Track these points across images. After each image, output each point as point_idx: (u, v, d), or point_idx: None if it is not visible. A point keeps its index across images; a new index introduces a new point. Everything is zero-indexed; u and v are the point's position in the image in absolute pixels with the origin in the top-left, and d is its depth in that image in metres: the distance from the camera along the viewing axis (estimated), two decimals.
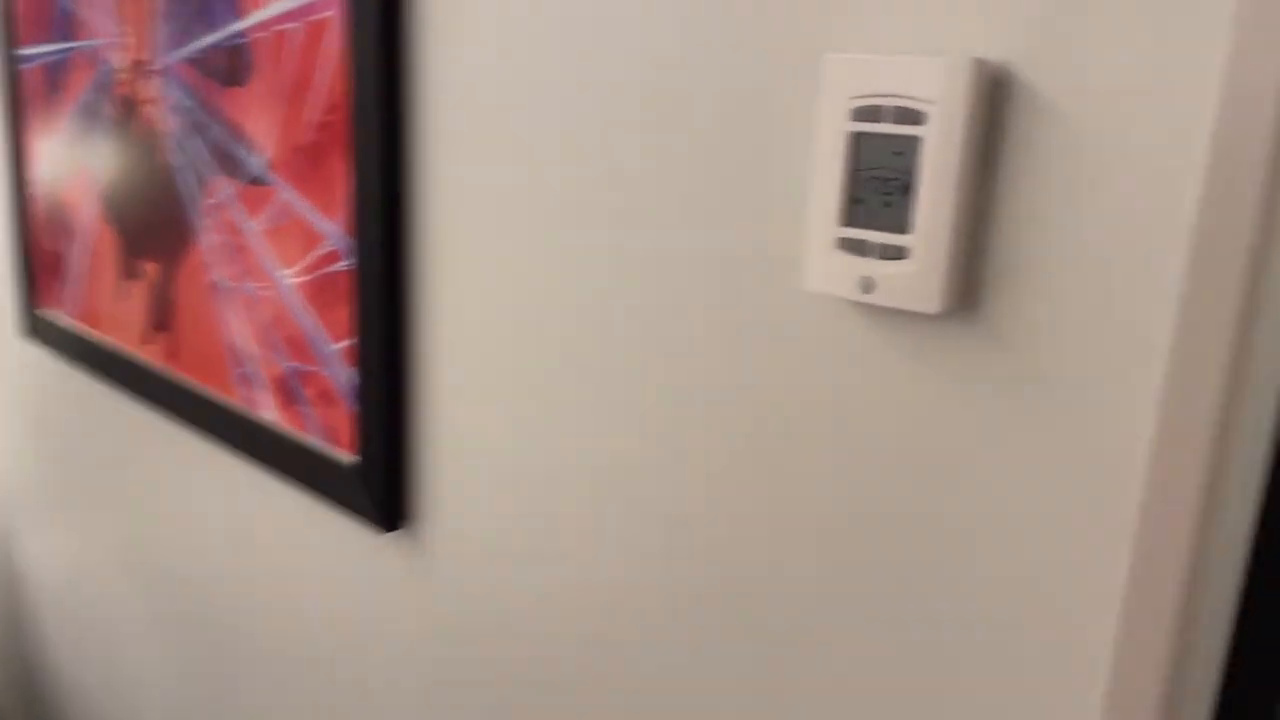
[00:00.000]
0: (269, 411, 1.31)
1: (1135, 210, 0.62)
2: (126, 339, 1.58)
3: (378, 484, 1.14)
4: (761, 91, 0.77)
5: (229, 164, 1.28)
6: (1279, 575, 0.67)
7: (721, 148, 0.80)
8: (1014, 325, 0.68)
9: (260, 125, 1.21)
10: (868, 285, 0.71)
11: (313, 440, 1.25)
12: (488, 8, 0.93)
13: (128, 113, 1.46)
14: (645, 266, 0.87)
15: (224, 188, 1.30)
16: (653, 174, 0.85)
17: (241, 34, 1.22)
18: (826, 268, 0.73)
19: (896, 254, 0.69)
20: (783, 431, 0.81)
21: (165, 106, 1.38)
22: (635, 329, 0.88)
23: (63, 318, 1.75)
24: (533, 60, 0.91)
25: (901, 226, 0.69)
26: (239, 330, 1.33)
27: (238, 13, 1.22)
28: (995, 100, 0.66)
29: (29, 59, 1.69)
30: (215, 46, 1.27)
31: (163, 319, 1.49)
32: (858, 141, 0.70)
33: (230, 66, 1.25)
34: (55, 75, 1.62)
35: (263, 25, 1.18)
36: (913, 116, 0.67)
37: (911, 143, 0.67)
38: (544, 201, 0.93)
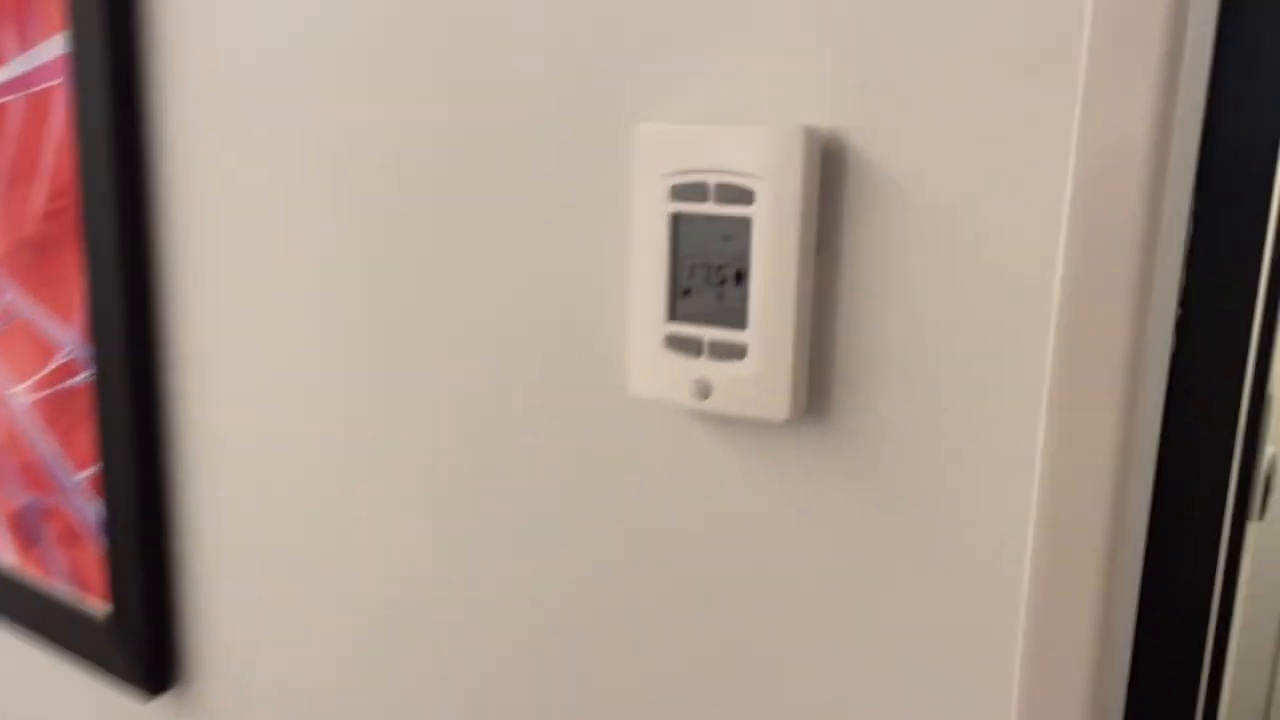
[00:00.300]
0: (6, 555, 1.09)
1: (994, 291, 0.54)
2: None
3: (137, 639, 0.94)
4: (569, 168, 0.66)
5: None
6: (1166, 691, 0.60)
7: (525, 234, 0.68)
8: (871, 427, 0.59)
9: None
10: (703, 390, 0.61)
11: (59, 588, 1.04)
12: (241, 69, 0.79)
13: None
14: (438, 372, 0.74)
15: None
16: (444, 267, 0.72)
17: None
18: (654, 370, 0.63)
19: (733, 353, 0.59)
20: (611, 562, 0.69)
21: None
22: (426, 450, 0.75)
23: None
24: (300, 129, 0.77)
25: (737, 321, 0.59)
26: None
27: None
28: (831, 174, 0.57)
29: None
30: None
31: None
32: (679, 224, 0.60)
33: None
34: None
35: None
36: (740, 195, 0.57)
37: (741, 225, 0.58)
38: (319, 296, 0.78)
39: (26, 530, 1.06)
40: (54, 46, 0.90)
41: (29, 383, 1.01)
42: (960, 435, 0.56)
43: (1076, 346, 0.52)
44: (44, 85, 0.92)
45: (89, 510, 0.98)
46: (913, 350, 0.57)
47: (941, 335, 0.56)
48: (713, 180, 0.58)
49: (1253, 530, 0.96)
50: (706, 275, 0.60)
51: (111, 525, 0.94)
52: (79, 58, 0.85)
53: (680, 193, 0.59)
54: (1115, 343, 0.51)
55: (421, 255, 0.73)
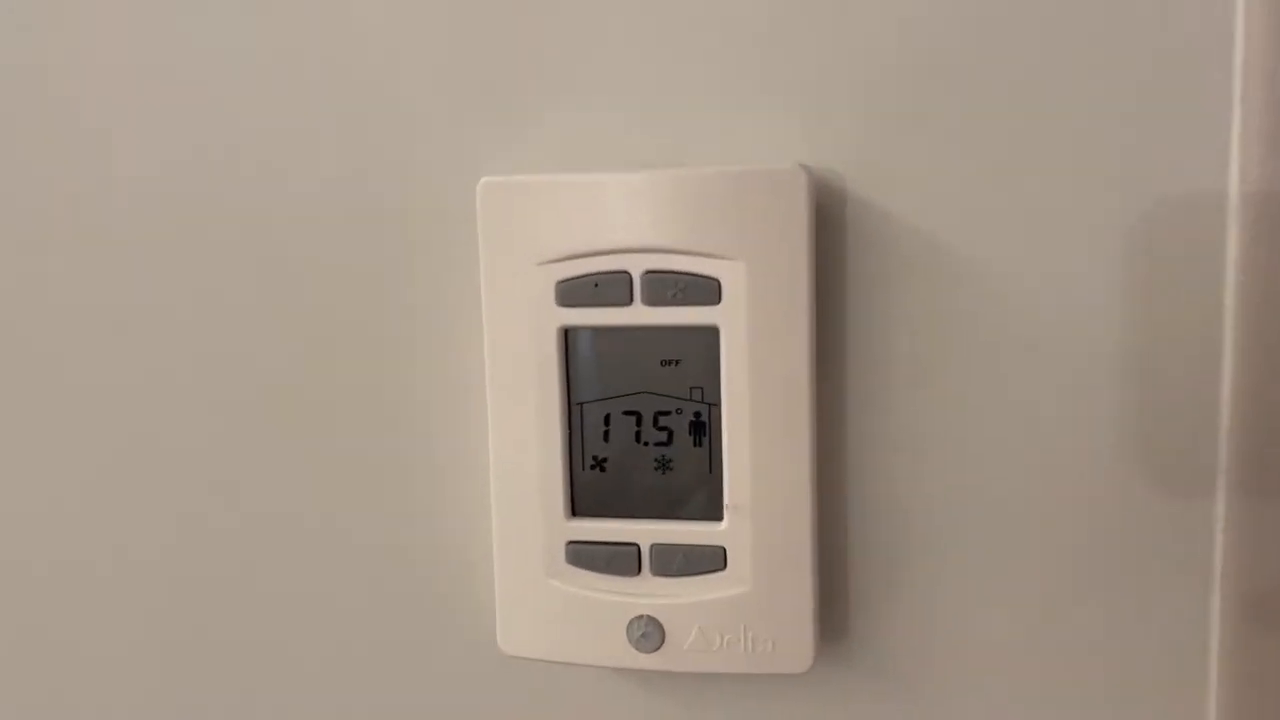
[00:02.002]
0: None
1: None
2: None
3: None
4: (372, 254, 0.37)
5: None
6: None
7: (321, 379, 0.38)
8: (899, 650, 0.36)
9: None
10: (648, 635, 0.34)
11: None
12: None
13: None
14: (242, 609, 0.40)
15: None
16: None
17: None
18: (546, 609, 0.35)
19: (701, 562, 0.34)
20: None
21: None
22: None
23: None
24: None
25: (702, 505, 0.34)
26: None
27: None
28: (831, 241, 0.34)
29: None
30: None
31: None
32: (575, 346, 0.34)
33: None
34: None
35: None
36: (696, 288, 0.32)
37: (699, 340, 0.33)
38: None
39: None
40: None
41: None
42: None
43: None
44: None
45: None
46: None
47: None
48: (641, 266, 0.33)
49: None
50: (636, 431, 0.34)
51: None
52: None
53: (575, 293, 0.33)
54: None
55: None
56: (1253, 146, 0.32)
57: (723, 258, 0.32)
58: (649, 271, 0.32)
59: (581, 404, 0.34)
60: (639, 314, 0.33)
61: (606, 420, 0.34)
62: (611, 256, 0.33)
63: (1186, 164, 0.32)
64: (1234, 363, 0.33)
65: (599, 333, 0.33)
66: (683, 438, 0.34)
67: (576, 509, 0.34)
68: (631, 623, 0.34)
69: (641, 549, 0.34)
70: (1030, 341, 0.34)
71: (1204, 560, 0.34)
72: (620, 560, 0.34)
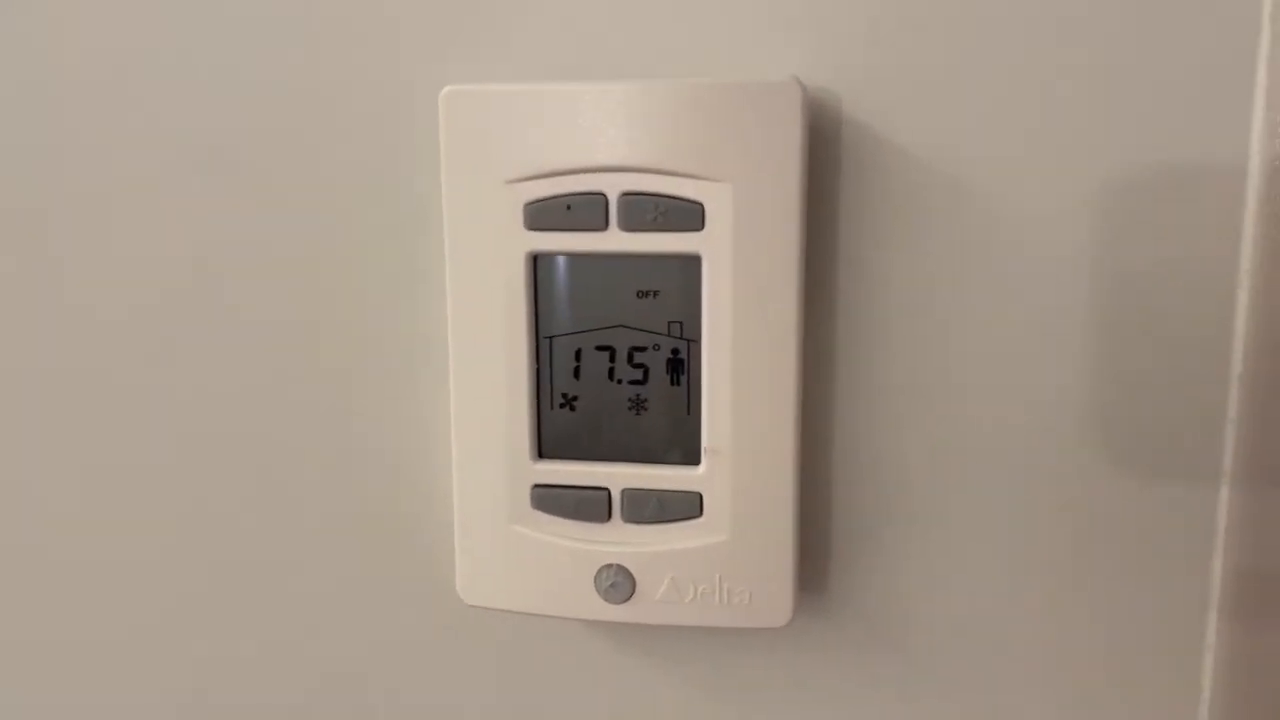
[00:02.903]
0: None
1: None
2: None
3: None
4: (329, 172, 0.34)
5: None
6: None
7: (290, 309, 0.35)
8: (880, 604, 0.34)
9: None
10: (617, 585, 0.32)
11: None
12: None
13: None
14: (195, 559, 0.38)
15: None
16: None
17: None
18: (510, 557, 0.33)
19: (676, 508, 0.32)
20: None
21: None
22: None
23: None
24: None
25: (677, 448, 0.31)
26: None
27: None
28: (825, 162, 0.32)
29: None
30: None
31: None
32: (545, 274, 0.31)
33: None
34: None
35: None
36: (677, 212, 0.30)
37: (678, 268, 0.30)
38: None
39: None
40: None
41: None
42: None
43: None
44: None
45: None
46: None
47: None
48: (618, 187, 0.30)
49: None
50: (609, 368, 0.31)
51: None
52: None
53: (545, 215, 0.30)
54: None
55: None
56: (1277, 110, 0.29)
57: (707, 179, 0.29)
58: (626, 193, 0.30)
59: (551, 338, 0.31)
60: (615, 240, 0.30)
61: (577, 355, 0.31)
62: (586, 176, 0.30)
63: (1206, 114, 0.30)
64: (1245, 338, 0.31)
65: (571, 260, 0.31)
66: (659, 376, 0.31)
67: (544, 450, 0.32)
68: (600, 572, 0.32)
69: (612, 494, 0.32)
70: (1036, 287, 0.31)
71: (1203, 537, 0.32)
72: (589, 505, 0.32)
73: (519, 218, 0.30)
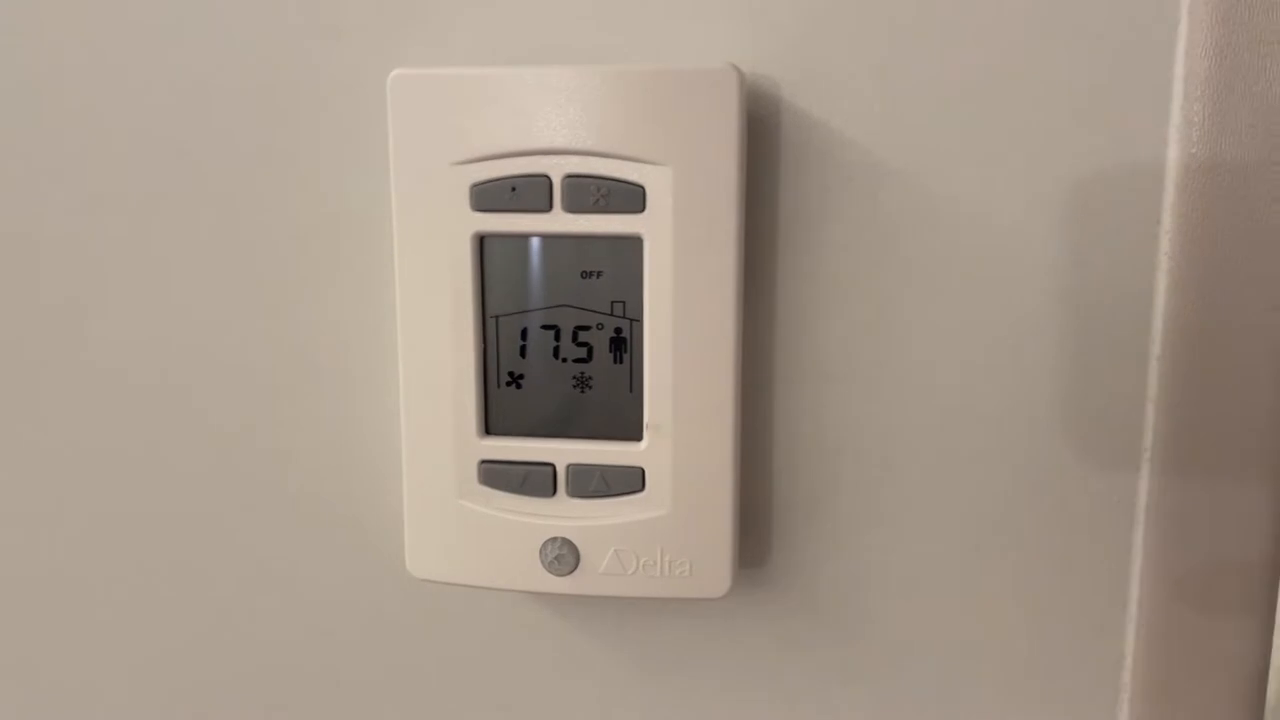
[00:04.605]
0: None
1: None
2: None
3: None
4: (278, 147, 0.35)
5: None
6: None
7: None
8: (818, 574, 0.35)
9: None
10: (561, 557, 0.33)
11: None
12: None
13: None
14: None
15: None
16: None
17: None
18: (457, 531, 0.33)
19: (618, 483, 0.32)
20: None
21: None
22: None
23: None
24: None
25: (621, 425, 0.32)
26: None
27: None
28: (762, 151, 0.33)
29: None
30: None
31: None
32: (490, 255, 0.32)
33: None
34: None
35: None
36: (620, 194, 0.31)
37: (621, 249, 0.31)
38: None
39: None
40: None
41: None
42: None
43: None
44: None
45: None
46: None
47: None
48: (562, 169, 0.31)
49: None
50: (554, 347, 0.32)
51: None
52: None
53: (491, 197, 0.31)
54: None
55: None
56: (1195, 104, 0.30)
57: (649, 162, 0.30)
58: (570, 175, 0.31)
59: (497, 317, 0.32)
60: (559, 221, 0.31)
61: (523, 334, 0.32)
62: (531, 158, 0.31)
63: (1132, 102, 0.31)
64: (1165, 319, 0.32)
65: (516, 241, 0.31)
66: (603, 354, 0.32)
67: (490, 427, 0.33)
68: (545, 545, 0.33)
69: (557, 469, 0.33)
70: (966, 271, 0.33)
71: (1126, 515, 0.34)
72: (535, 480, 0.33)
73: (465, 199, 0.31)
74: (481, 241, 0.32)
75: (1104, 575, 0.34)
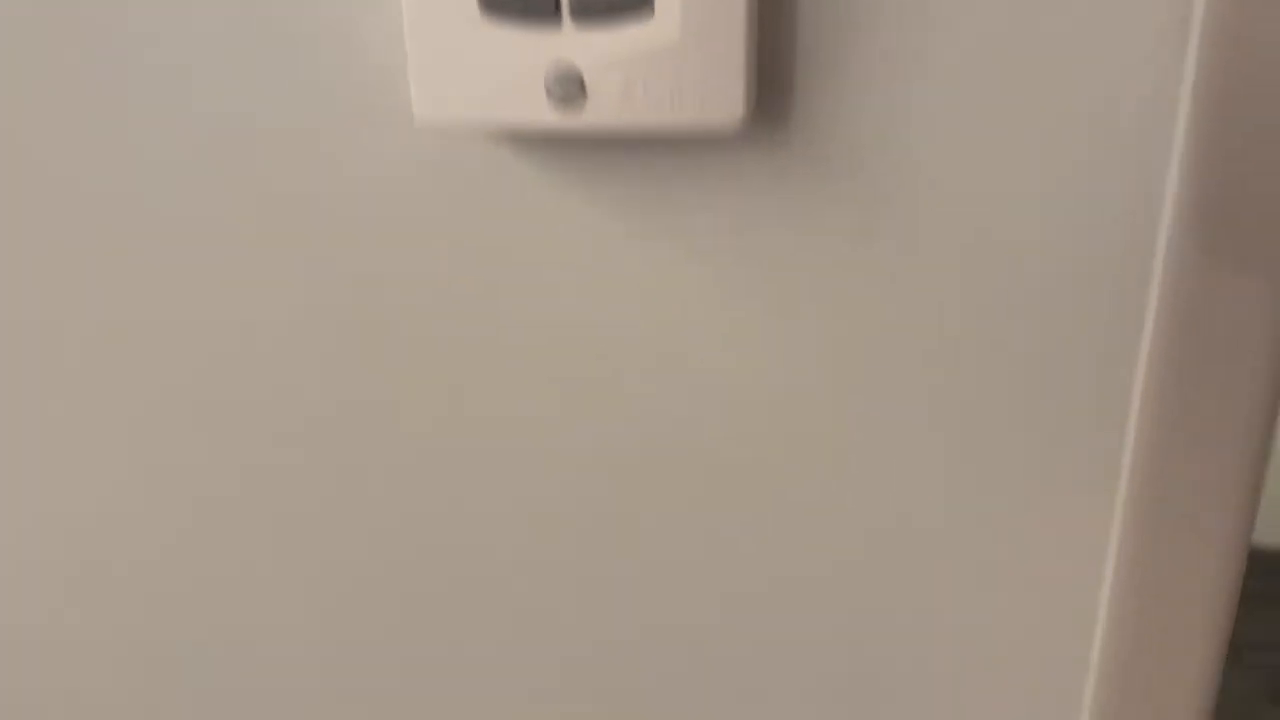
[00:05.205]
0: None
1: None
2: None
3: None
4: None
5: None
6: None
7: None
8: (844, 123, 0.34)
9: None
10: (566, 88, 0.32)
11: None
12: None
13: None
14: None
15: None
16: None
17: None
18: (460, 70, 0.32)
19: (624, 10, 0.31)
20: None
21: None
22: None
23: None
24: None
25: None
26: None
27: None
28: None
29: None
30: None
31: None
32: None
33: None
34: None
35: None
36: None
37: None
38: None
39: None
40: None
41: None
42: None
43: None
44: None
45: None
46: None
47: None
48: None
49: None
50: None
51: None
52: None
53: None
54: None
55: None
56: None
57: None
58: None
59: None
60: None
61: None
62: None
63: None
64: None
65: None
66: None
67: None
68: (551, 75, 0.32)
69: None
70: None
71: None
72: (537, 8, 0.31)
73: None
74: None
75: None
